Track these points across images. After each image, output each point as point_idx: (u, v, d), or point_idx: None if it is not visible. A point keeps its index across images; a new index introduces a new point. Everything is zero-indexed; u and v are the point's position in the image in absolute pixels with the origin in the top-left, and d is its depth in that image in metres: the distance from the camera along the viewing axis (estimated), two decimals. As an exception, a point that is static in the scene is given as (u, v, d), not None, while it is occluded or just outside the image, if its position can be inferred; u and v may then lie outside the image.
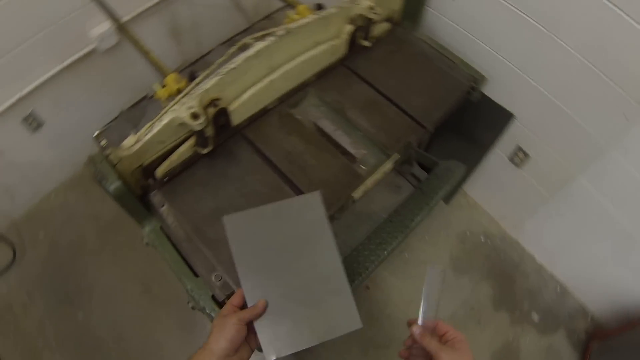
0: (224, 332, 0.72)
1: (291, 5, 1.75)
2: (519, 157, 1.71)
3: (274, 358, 0.76)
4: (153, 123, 1.04)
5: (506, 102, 1.56)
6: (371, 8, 1.25)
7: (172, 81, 1.26)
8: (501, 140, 1.72)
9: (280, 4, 1.82)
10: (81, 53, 1.71)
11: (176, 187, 1.13)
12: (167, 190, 1.13)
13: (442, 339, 0.70)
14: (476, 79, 1.43)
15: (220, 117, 1.10)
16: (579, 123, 1.36)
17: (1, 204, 1.95)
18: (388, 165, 1.25)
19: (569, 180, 1.57)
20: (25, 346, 1.81)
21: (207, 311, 1.04)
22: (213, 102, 1.08)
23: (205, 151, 1.13)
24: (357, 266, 1.13)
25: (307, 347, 0.78)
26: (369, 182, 1.21)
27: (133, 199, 1.02)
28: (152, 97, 1.83)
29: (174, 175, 1.14)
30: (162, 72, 1.35)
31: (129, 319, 1.83)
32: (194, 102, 1.03)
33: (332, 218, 1.07)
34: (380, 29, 1.41)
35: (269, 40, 1.12)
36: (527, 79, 1.41)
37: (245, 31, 2.00)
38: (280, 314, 0.79)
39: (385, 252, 1.15)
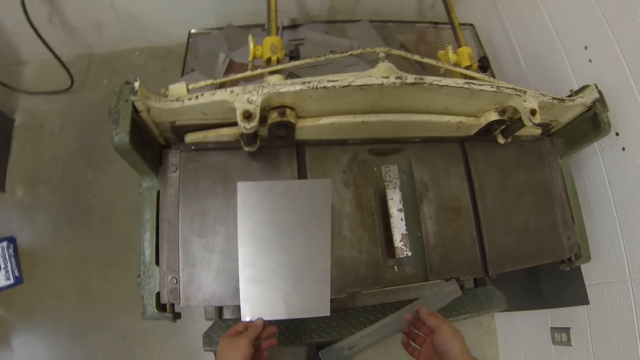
0: (239, 351, 0.71)
1: (453, 27, 1.33)
2: (561, 337, 1.32)
3: (249, 319, 0.78)
4: (203, 91, 0.77)
5: (592, 290, 1.16)
6: (532, 113, 0.85)
7: (269, 46, 0.95)
8: (558, 310, 1.34)
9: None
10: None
11: (198, 162, 0.88)
12: (188, 159, 0.88)
13: None
14: (581, 255, 1.03)
15: (281, 129, 0.81)
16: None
17: (88, 34, 1.80)
18: (417, 284, 0.94)
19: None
20: (36, 163, 1.75)
21: (144, 302, 0.84)
22: (281, 109, 0.78)
23: (247, 149, 0.86)
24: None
25: (278, 319, 0.80)
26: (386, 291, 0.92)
27: (136, 158, 0.77)
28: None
29: (202, 148, 0.88)
30: (270, 26, 1.04)
31: (122, 207, 1.71)
32: (257, 98, 0.74)
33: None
34: (526, 131, 1.01)
35: (398, 79, 0.77)
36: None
37: (403, 24, 1.59)
38: (264, 283, 0.80)
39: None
